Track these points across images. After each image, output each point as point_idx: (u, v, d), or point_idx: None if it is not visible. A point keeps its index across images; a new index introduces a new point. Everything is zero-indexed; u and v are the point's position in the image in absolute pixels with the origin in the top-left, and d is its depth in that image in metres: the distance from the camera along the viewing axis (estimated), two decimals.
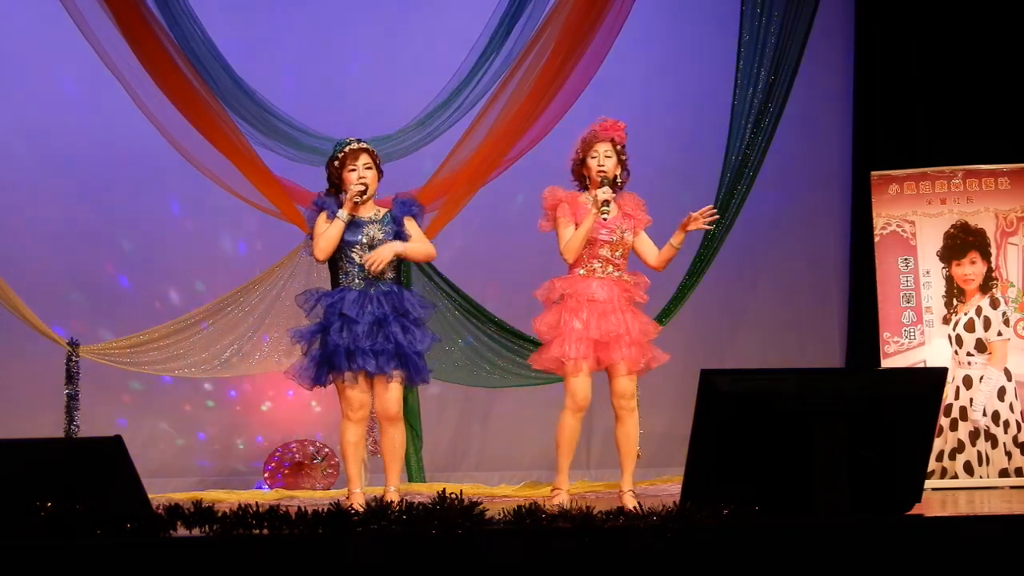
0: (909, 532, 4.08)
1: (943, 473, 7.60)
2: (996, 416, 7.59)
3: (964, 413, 7.62)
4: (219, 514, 3.94)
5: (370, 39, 8.56)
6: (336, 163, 6.16)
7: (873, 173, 7.94)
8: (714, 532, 3.97)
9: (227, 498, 7.23)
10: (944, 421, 7.60)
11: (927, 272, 7.75)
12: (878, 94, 8.65)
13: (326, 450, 8.09)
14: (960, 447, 7.61)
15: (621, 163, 6.27)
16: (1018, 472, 7.55)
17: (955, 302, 7.71)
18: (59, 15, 7.50)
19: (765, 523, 4.05)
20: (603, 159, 6.20)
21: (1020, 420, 7.58)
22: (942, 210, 7.79)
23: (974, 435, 7.60)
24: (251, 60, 8.06)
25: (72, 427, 7.58)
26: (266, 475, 8.05)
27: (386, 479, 6.15)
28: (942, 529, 4.17)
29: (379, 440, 6.28)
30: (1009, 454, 7.57)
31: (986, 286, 7.68)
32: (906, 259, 7.79)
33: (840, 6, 8.77)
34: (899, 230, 7.80)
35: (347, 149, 6.16)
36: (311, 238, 6.17)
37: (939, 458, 7.59)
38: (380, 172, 6.24)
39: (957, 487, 7.54)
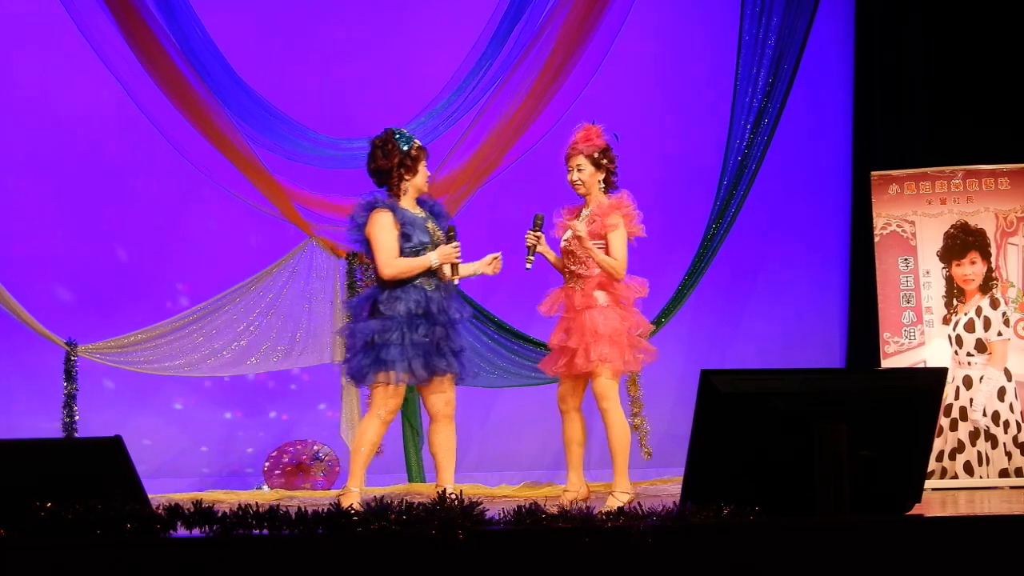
0: (909, 532, 4.08)
1: (943, 473, 7.60)
2: (996, 416, 7.59)
3: (964, 413, 7.62)
4: (219, 514, 3.94)
5: (371, 39, 8.56)
6: (414, 152, 6.03)
7: (873, 173, 7.94)
8: (714, 532, 3.97)
9: (227, 498, 7.23)
10: (944, 421, 7.60)
11: (927, 272, 7.75)
12: (878, 94, 8.65)
13: (326, 450, 8.09)
14: (960, 447, 7.61)
15: (601, 167, 6.32)
16: (1018, 472, 7.55)
17: (955, 302, 7.71)
18: (59, 15, 7.51)
19: (765, 523, 4.05)
20: (575, 174, 6.33)
21: (1020, 420, 7.58)
22: (942, 210, 7.79)
23: (974, 435, 7.60)
24: (251, 60, 8.06)
25: (72, 427, 7.58)
26: (266, 475, 8.05)
27: (441, 479, 6.09)
28: (942, 529, 4.17)
29: (432, 438, 6.17)
30: (1009, 454, 7.57)
31: (986, 286, 7.68)
32: (906, 259, 7.79)
33: (840, 6, 8.77)
34: (899, 230, 7.80)
35: (418, 144, 6.10)
36: (360, 239, 6.05)
37: (939, 458, 7.59)
38: None
39: (957, 487, 7.54)
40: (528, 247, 6.23)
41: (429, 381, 5.99)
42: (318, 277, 7.99)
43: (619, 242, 6.25)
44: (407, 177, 6.03)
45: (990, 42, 8.48)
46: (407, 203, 6.04)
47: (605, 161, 6.34)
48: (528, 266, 6.26)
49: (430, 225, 6.05)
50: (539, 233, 6.26)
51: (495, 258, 6.18)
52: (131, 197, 8.41)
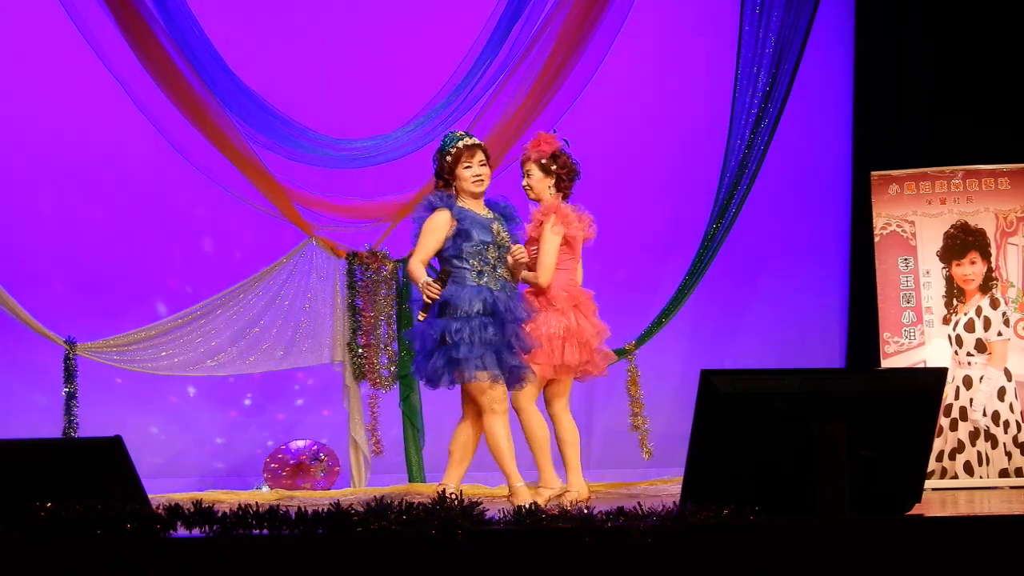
0: (909, 532, 4.08)
1: (943, 473, 7.60)
2: (996, 416, 7.60)
3: (964, 413, 7.62)
4: (219, 514, 3.94)
5: (370, 38, 8.57)
6: (449, 158, 5.95)
7: (873, 173, 7.94)
8: (714, 532, 3.97)
9: (227, 498, 7.22)
10: (944, 421, 7.60)
11: (927, 272, 7.75)
12: (878, 94, 8.66)
13: (326, 450, 8.09)
14: (960, 447, 7.61)
15: (551, 172, 6.35)
16: (1018, 472, 7.55)
17: (955, 302, 7.71)
18: (59, 15, 7.51)
19: (765, 523, 4.05)
20: (525, 179, 6.40)
21: (1020, 420, 7.59)
22: (942, 210, 7.79)
23: (974, 435, 7.60)
24: (250, 60, 8.07)
25: (71, 426, 7.58)
26: (266, 475, 8.05)
27: (447, 474, 6.20)
28: (942, 529, 4.17)
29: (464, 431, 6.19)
30: (1009, 454, 7.58)
31: (986, 286, 7.69)
32: (906, 259, 7.79)
33: (840, 6, 8.78)
34: (899, 230, 7.80)
35: (461, 144, 5.95)
36: (417, 235, 5.98)
37: (939, 458, 7.59)
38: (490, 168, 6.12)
39: (957, 487, 7.54)
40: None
41: (506, 379, 5.96)
42: (318, 277, 7.99)
43: (544, 247, 6.23)
44: (449, 178, 6.01)
45: (990, 42, 8.49)
46: (469, 203, 5.98)
47: (555, 167, 6.34)
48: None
49: (496, 226, 5.97)
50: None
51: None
52: (131, 196, 8.41)
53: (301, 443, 8.14)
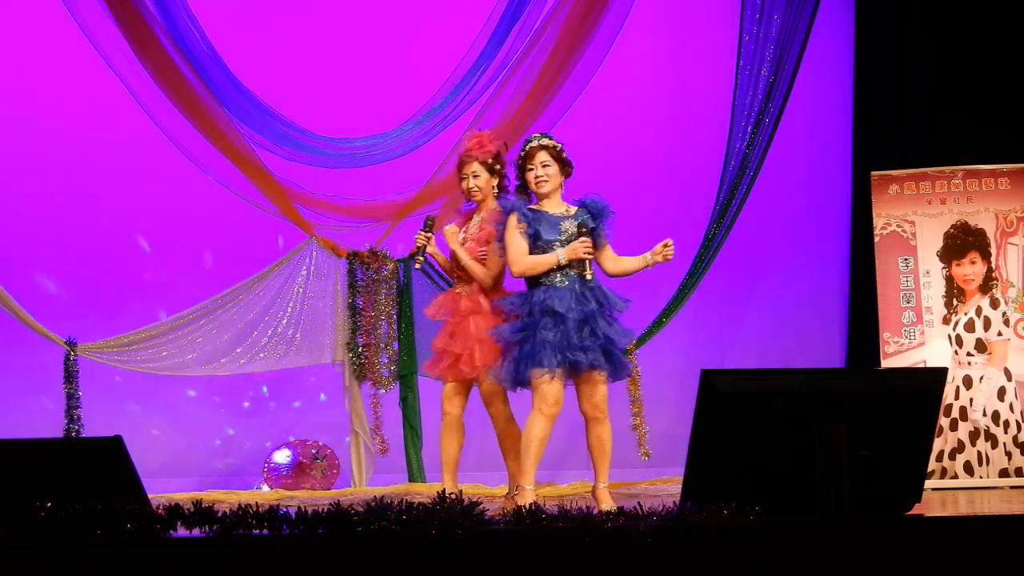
0: (909, 532, 4.08)
1: (943, 473, 7.60)
2: (996, 416, 7.60)
3: (964, 413, 7.63)
4: (219, 514, 3.94)
5: (369, 38, 8.57)
6: (520, 163, 6.01)
7: (873, 173, 7.94)
8: (714, 532, 3.97)
9: (227, 498, 7.22)
10: (944, 421, 7.60)
11: (927, 272, 7.75)
12: (878, 94, 8.66)
13: (326, 451, 8.08)
14: (960, 447, 7.61)
15: (495, 172, 6.30)
16: (1018, 472, 7.55)
17: (955, 302, 7.71)
18: (60, 15, 7.52)
19: (765, 523, 4.05)
20: (471, 181, 6.28)
21: (1020, 420, 7.59)
22: (942, 210, 7.79)
23: (974, 435, 7.61)
24: (250, 60, 8.07)
25: (73, 427, 7.58)
26: (266, 475, 8.05)
27: (597, 476, 6.07)
28: (942, 529, 4.17)
29: (587, 438, 6.05)
30: (1009, 454, 7.58)
31: (986, 286, 7.69)
32: (906, 259, 7.80)
33: (840, 6, 8.78)
34: (899, 230, 7.80)
35: (527, 148, 6.00)
36: (500, 240, 6.02)
37: (939, 458, 7.59)
38: (566, 164, 6.03)
39: (957, 487, 7.54)
40: (418, 247, 6.23)
41: (576, 376, 5.90)
42: (318, 277, 7.99)
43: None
44: (519, 180, 6.05)
45: (990, 42, 8.49)
46: (543, 203, 5.98)
47: (499, 167, 6.31)
48: (417, 266, 6.41)
49: (566, 224, 5.94)
50: (429, 234, 6.25)
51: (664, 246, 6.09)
52: (132, 196, 8.41)
53: (301, 443, 8.14)
